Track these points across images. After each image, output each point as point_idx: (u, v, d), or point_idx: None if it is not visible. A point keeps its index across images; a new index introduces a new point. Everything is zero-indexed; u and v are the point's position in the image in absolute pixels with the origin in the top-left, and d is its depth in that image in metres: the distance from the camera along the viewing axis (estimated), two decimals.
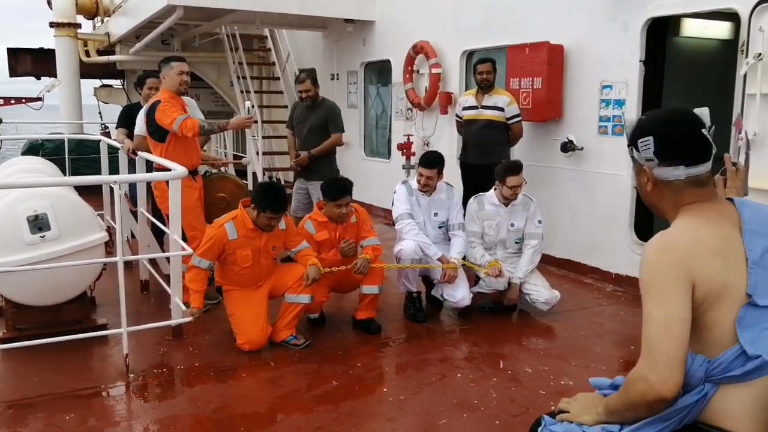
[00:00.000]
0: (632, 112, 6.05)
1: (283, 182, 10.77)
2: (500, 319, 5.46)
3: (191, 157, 5.43)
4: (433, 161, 5.33)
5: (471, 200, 5.61)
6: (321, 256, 4.94)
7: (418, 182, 5.37)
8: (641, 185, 2.02)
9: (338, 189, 4.93)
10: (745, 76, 5.08)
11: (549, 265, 6.60)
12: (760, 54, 4.91)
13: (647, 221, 6.47)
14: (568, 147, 6.64)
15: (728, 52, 5.64)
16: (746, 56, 5.06)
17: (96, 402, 3.95)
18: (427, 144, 8.84)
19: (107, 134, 11.11)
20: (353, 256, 5.03)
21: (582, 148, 6.55)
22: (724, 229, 1.86)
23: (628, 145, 2.00)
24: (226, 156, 13.11)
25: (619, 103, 6.19)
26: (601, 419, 1.99)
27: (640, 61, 5.97)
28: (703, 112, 1.94)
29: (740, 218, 1.89)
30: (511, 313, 5.58)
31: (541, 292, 5.39)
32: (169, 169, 4.67)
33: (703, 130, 1.90)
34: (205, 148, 7.33)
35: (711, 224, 1.87)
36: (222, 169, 7.60)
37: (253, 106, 5.33)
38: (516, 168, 5.39)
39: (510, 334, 5.16)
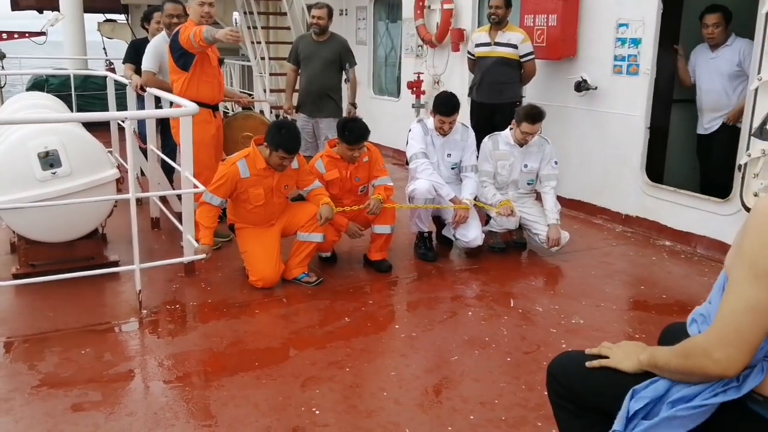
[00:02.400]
0: (648, 52, 5.92)
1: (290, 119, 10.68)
2: (510, 259, 5.47)
3: (214, 90, 5.39)
4: (452, 108, 5.20)
5: (486, 139, 5.54)
6: (331, 193, 4.92)
7: (438, 128, 5.28)
8: None
9: (357, 135, 4.82)
10: (767, 15, 4.93)
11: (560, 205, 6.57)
12: None
13: (659, 163, 6.42)
14: (581, 86, 6.52)
15: None
16: None
17: (110, 337, 4.00)
18: (438, 82, 8.71)
19: (112, 70, 10.95)
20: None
21: (596, 88, 6.43)
22: None
23: None
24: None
25: (635, 41, 6.04)
26: (642, 368, 1.93)
27: None
28: None
29: None
30: (521, 252, 5.60)
31: (561, 241, 5.37)
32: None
33: None
34: None
35: None
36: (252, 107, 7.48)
37: (236, 23, 5.12)
38: (535, 116, 5.26)
39: (520, 274, 5.18)
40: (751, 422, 1.76)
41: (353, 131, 4.81)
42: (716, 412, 1.79)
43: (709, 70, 5.84)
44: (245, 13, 11.32)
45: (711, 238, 5.50)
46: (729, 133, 5.70)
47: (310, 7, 6.78)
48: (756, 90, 5.00)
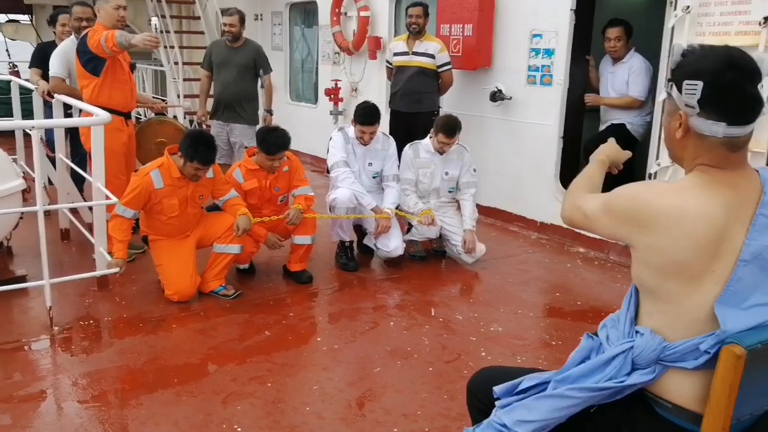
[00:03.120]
0: (561, 63, 6.13)
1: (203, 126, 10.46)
2: (430, 268, 5.54)
3: (126, 96, 5.19)
4: (373, 118, 5.23)
5: (407, 147, 5.60)
6: (249, 203, 4.86)
7: (359, 137, 5.29)
8: (669, 129, 1.80)
9: (278, 145, 4.76)
10: (672, 28, 5.19)
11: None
12: (688, 7, 5.01)
13: (573, 171, 6.65)
14: (497, 96, 6.68)
15: (658, 3, 5.74)
16: (675, 8, 5.16)
17: (20, 356, 3.80)
18: (356, 90, 8.73)
19: (16, 73, 10.43)
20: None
21: (511, 98, 6.60)
22: (731, 209, 1.68)
23: (669, 80, 1.75)
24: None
25: (549, 52, 6.25)
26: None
27: (571, 9, 6.01)
28: (763, 60, 1.69)
29: (761, 199, 1.72)
30: (441, 261, 5.68)
31: (476, 248, 5.47)
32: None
33: (760, 86, 1.65)
34: None
35: (718, 198, 1.69)
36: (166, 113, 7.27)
37: (156, 28, 4.98)
38: (451, 129, 5.34)
39: (440, 282, 5.26)
40: (661, 429, 1.83)
41: (273, 141, 4.75)
42: (624, 417, 1.86)
43: (607, 83, 6.11)
44: (157, 16, 11.03)
45: (623, 245, 5.71)
46: (617, 134, 5.92)
47: (223, 12, 6.67)
48: (664, 101, 5.25)
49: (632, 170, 5.92)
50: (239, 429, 3.11)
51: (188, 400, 3.35)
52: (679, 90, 1.71)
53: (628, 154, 2.26)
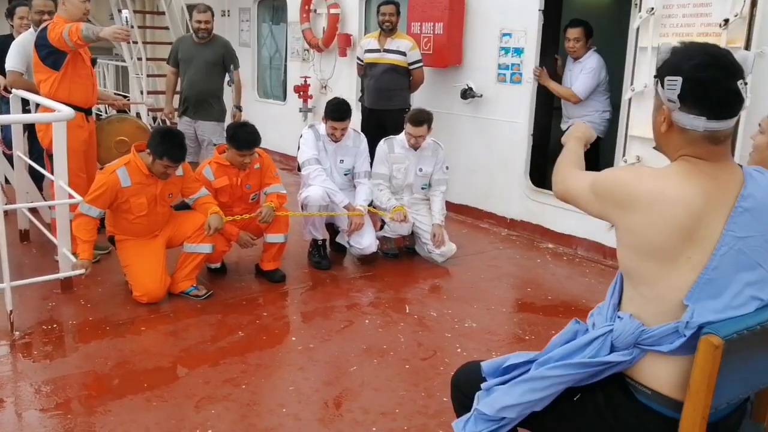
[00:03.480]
0: (530, 61, 6.13)
1: (168, 123, 10.26)
2: (403, 265, 5.49)
3: (87, 92, 5.00)
4: (345, 114, 5.17)
5: (381, 142, 5.54)
6: (220, 201, 4.74)
7: (331, 134, 5.21)
8: (656, 123, 1.86)
9: (249, 141, 4.67)
10: (638, 29, 5.22)
11: (447, 210, 6.66)
12: (652, 8, 5.03)
13: (542, 168, 6.66)
14: (467, 94, 6.65)
15: (623, 4, 5.77)
16: (639, 10, 5.17)
17: None
18: (325, 87, 8.64)
19: None
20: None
21: (481, 96, 6.58)
22: (710, 198, 1.72)
23: (655, 77, 1.83)
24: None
25: (518, 51, 6.24)
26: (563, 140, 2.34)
27: (539, 10, 6.01)
28: (746, 58, 1.79)
29: (741, 191, 1.76)
30: (413, 257, 5.62)
31: (444, 243, 5.43)
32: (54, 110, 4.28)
33: (740, 82, 1.71)
34: None
35: (697, 185, 1.73)
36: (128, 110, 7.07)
37: (127, 21, 4.83)
38: (417, 121, 5.29)
39: (413, 279, 5.20)
40: (642, 415, 1.84)
41: (244, 137, 4.65)
42: (606, 404, 1.89)
43: (567, 80, 6.08)
44: (119, 10, 10.79)
45: (591, 240, 5.75)
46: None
47: (190, 8, 6.51)
48: (630, 100, 5.29)
49: (597, 161, 6.01)
50: None
51: (159, 406, 3.24)
52: (662, 86, 1.78)
53: (594, 133, 2.43)
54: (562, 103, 6.24)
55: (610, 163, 5.75)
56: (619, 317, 1.85)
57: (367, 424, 3.14)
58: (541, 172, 6.61)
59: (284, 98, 9.73)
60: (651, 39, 5.10)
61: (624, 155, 5.41)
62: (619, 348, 1.83)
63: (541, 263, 5.65)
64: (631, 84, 5.27)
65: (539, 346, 4.12)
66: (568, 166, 2.15)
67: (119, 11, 4.71)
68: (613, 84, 5.90)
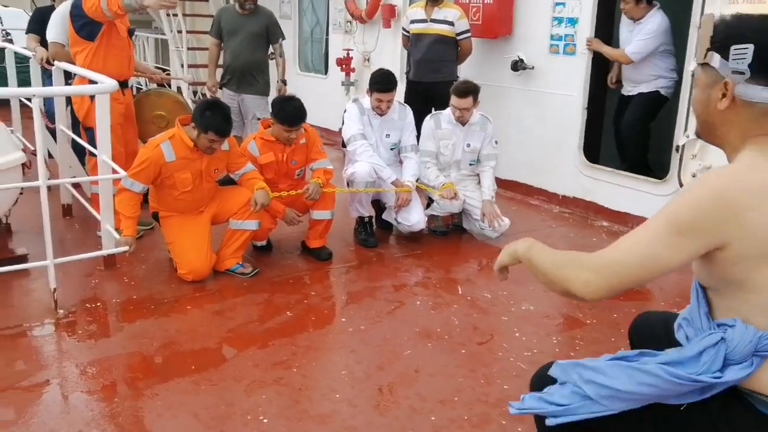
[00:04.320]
0: (585, 32, 5.82)
1: (209, 96, 10.14)
2: (452, 243, 5.29)
3: (123, 64, 4.87)
4: (391, 84, 4.96)
5: (427, 118, 5.32)
6: (265, 178, 4.59)
7: (376, 107, 5.00)
8: (709, 101, 1.67)
9: (295, 116, 4.50)
10: None
11: (497, 186, 6.44)
12: None
13: (596, 143, 6.37)
14: (518, 66, 6.38)
15: None
16: None
17: (22, 342, 3.53)
18: (368, 60, 8.41)
19: (10, 41, 10.04)
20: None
21: (532, 67, 6.30)
22: None
23: (709, 49, 1.65)
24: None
25: (572, 21, 5.94)
26: (517, 258, 1.89)
27: None
28: None
29: None
30: (461, 236, 5.42)
31: (499, 218, 5.21)
32: (95, 82, 4.15)
33: None
34: None
35: None
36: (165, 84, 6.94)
37: None
38: (462, 91, 5.05)
39: (464, 258, 5.00)
40: (764, 425, 1.63)
41: (290, 111, 4.48)
42: (721, 415, 1.66)
43: (625, 39, 5.74)
44: None
45: (647, 219, 5.47)
46: (644, 101, 5.73)
47: None
48: (693, 72, 4.97)
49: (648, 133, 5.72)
50: (265, 420, 2.87)
51: (208, 389, 3.10)
52: (725, 57, 1.61)
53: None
54: (622, 68, 5.92)
55: (664, 138, 5.50)
56: (726, 325, 1.63)
57: (425, 413, 2.97)
58: (595, 147, 6.33)
59: (326, 72, 9.52)
60: (720, 6, 4.77)
61: (686, 130, 5.11)
62: (735, 359, 1.61)
63: (597, 242, 5.39)
64: (695, 55, 4.94)
65: (601, 330, 3.93)
66: (579, 254, 1.71)
67: None
68: (678, 59, 5.57)
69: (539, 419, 1.89)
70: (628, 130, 5.90)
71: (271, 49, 6.45)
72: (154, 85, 6.35)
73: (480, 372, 3.32)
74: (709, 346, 1.63)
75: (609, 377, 1.69)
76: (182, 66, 9.85)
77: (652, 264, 1.59)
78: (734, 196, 1.53)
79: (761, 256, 1.53)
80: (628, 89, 5.89)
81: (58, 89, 4.96)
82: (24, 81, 6.37)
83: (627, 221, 5.65)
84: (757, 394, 1.62)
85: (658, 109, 5.77)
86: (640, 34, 5.53)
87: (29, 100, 3.78)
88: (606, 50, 5.74)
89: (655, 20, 5.50)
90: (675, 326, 1.82)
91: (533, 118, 6.41)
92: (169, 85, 8.02)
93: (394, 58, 7.91)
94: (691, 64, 5.03)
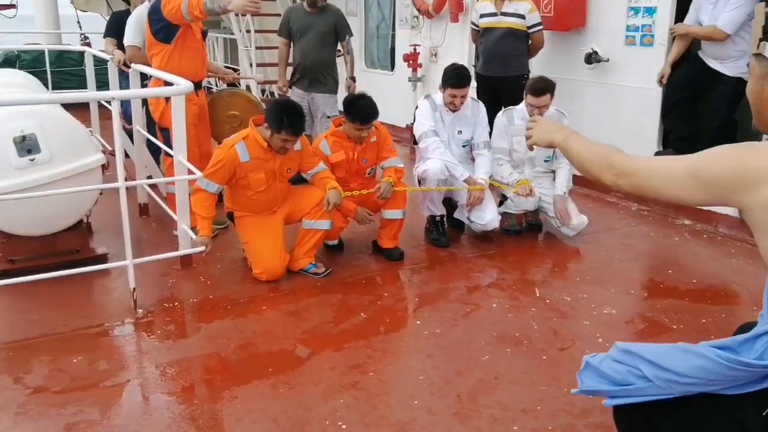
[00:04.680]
0: (665, 22, 5.59)
1: (277, 95, 10.22)
2: (526, 243, 5.15)
3: (197, 65, 4.92)
4: (465, 80, 4.85)
5: (500, 114, 5.20)
6: (336, 177, 4.55)
7: (450, 103, 4.90)
8: (763, 92, 1.66)
9: (367, 114, 4.45)
10: None
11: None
12: None
13: (674, 137, 6.11)
14: (592, 58, 6.19)
15: None
16: None
17: (104, 342, 3.60)
18: (435, 55, 8.30)
19: (88, 45, 10.37)
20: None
21: (607, 60, 6.11)
22: None
23: (761, 39, 1.64)
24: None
25: (650, 11, 5.71)
26: (554, 145, 2.07)
27: None
28: None
29: None
30: (536, 235, 5.28)
31: (570, 216, 5.05)
32: (171, 83, 4.19)
33: None
34: None
35: None
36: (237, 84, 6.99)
37: None
38: (539, 90, 4.90)
39: (540, 259, 4.87)
40: None
41: (362, 109, 4.43)
42: None
43: (711, 15, 5.29)
44: None
45: (733, 217, 5.21)
46: (733, 87, 5.22)
47: None
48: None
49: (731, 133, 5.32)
50: (344, 426, 2.83)
51: (285, 393, 3.08)
52: None
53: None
54: (702, 48, 5.49)
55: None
56: None
57: (507, 422, 2.87)
58: (668, 142, 6.07)
59: (392, 68, 9.46)
60: None
61: None
62: None
63: (680, 242, 5.17)
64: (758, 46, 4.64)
65: (690, 336, 3.73)
66: (611, 153, 1.84)
67: None
68: None
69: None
70: (715, 116, 5.39)
71: (339, 47, 6.42)
72: (225, 86, 6.41)
73: (563, 380, 3.19)
74: (760, 334, 1.60)
75: (667, 359, 1.69)
76: (251, 65, 9.96)
77: (667, 192, 1.71)
78: (754, 166, 1.54)
79: None
80: (714, 64, 5.38)
81: (136, 92, 5.05)
82: (102, 83, 6.53)
83: (711, 219, 5.40)
84: None
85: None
86: (728, 5, 5.12)
87: (108, 102, 3.83)
88: (695, 30, 5.34)
89: None
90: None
91: (608, 112, 6.20)
92: (240, 85, 8.09)
93: (462, 53, 7.79)
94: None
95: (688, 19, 5.48)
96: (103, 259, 4.40)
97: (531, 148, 2.19)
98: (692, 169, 1.65)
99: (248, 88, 9.03)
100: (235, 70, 9.89)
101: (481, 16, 6.23)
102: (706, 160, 1.64)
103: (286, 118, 4.07)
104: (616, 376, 1.79)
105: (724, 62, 5.31)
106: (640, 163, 1.76)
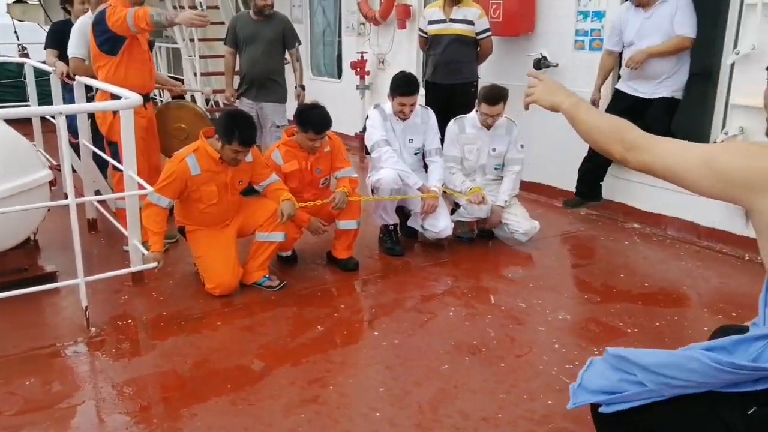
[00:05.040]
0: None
1: (222, 105, 10.08)
2: (479, 250, 5.22)
3: (145, 77, 4.83)
4: (413, 87, 4.89)
5: (451, 123, 5.25)
6: (290, 187, 4.53)
7: (399, 111, 4.93)
8: None
9: (321, 124, 4.43)
10: None
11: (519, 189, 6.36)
12: None
13: None
14: (541, 63, 6.29)
15: None
16: None
17: (57, 362, 3.50)
18: (383, 62, 8.34)
19: (26, 56, 10.04)
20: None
21: (557, 65, 6.22)
22: None
23: None
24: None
25: (598, 15, 5.85)
26: (559, 110, 2.03)
27: None
28: None
29: None
30: (488, 242, 5.34)
31: (521, 222, 5.14)
32: (119, 96, 4.10)
33: None
34: None
35: None
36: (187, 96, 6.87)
37: (202, 5, 4.62)
38: (493, 98, 4.96)
39: (493, 266, 4.93)
40: None
41: (315, 119, 4.41)
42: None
43: (642, 32, 5.29)
44: None
45: (682, 220, 5.38)
46: (667, 105, 5.32)
47: None
48: (732, 64, 4.87)
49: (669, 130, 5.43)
50: None
51: (246, 410, 3.05)
52: None
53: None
54: (626, 79, 5.49)
55: (701, 136, 5.36)
56: None
57: (469, 431, 2.91)
58: None
59: (339, 75, 9.46)
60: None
61: (723, 127, 5.01)
62: None
63: (630, 245, 5.30)
64: (735, 47, 4.84)
65: (644, 340, 3.83)
66: (625, 128, 1.84)
67: None
68: (713, 50, 5.44)
69: (595, 409, 1.89)
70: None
71: (286, 55, 6.38)
72: (170, 97, 6.31)
73: (522, 387, 3.24)
74: (757, 337, 1.62)
75: (660, 363, 1.72)
76: (195, 74, 9.80)
77: (678, 175, 1.71)
78: (764, 167, 1.56)
79: None
80: (645, 91, 5.39)
81: (84, 106, 4.92)
82: (43, 95, 6.34)
83: (660, 223, 5.56)
84: None
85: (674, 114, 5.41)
86: (680, 11, 5.08)
87: (53, 116, 3.73)
88: (659, 49, 5.16)
89: None
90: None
91: (558, 117, 6.25)
92: (184, 97, 7.97)
93: (410, 60, 7.84)
94: (729, 57, 4.92)
95: (609, 44, 5.54)
96: (52, 277, 4.28)
97: (527, 107, 2.13)
98: (707, 157, 1.66)
99: (193, 98, 8.87)
100: (181, 81, 9.76)
101: (430, 22, 6.25)
102: (721, 151, 1.67)
103: (237, 129, 4.04)
104: (609, 384, 1.81)
105: (658, 86, 5.30)
106: (654, 141, 1.77)
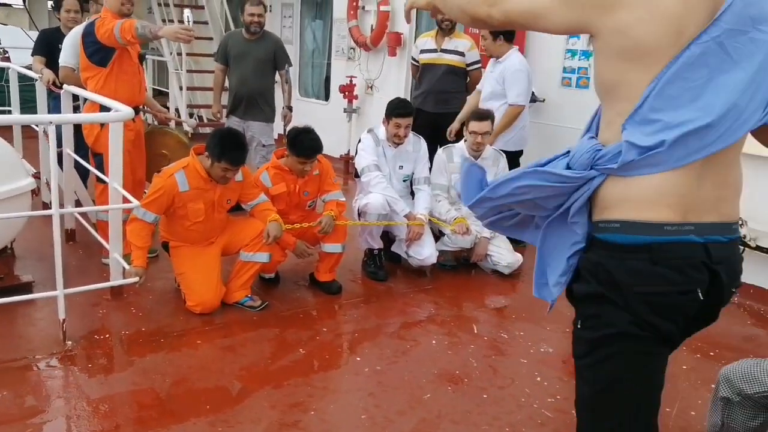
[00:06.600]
0: None
1: (206, 120, 10.05)
2: (461, 278, 5.21)
3: (134, 89, 4.77)
4: (409, 109, 4.94)
5: (439, 151, 5.28)
6: (277, 209, 4.50)
7: (394, 135, 4.95)
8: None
9: (311, 148, 4.42)
10: None
11: None
12: None
13: None
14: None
15: None
16: None
17: (31, 376, 3.40)
18: (371, 87, 8.38)
19: (7, 60, 9.91)
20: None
21: (543, 100, 6.30)
22: None
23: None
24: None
25: (586, 54, 5.95)
26: (435, 3, 2.00)
27: None
28: None
29: None
30: (470, 270, 5.35)
31: (504, 254, 5.16)
32: (108, 108, 4.06)
33: None
34: None
35: None
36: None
37: (189, 20, 4.59)
38: (480, 116, 5.06)
39: (477, 295, 4.92)
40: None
41: (307, 144, 4.40)
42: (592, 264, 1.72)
43: (488, 80, 5.80)
44: (159, 5, 10.63)
45: None
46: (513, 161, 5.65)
47: (244, 1, 6.26)
48: None
49: None
50: None
51: None
52: None
53: None
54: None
55: None
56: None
57: None
58: None
59: (327, 98, 9.48)
60: None
61: None
62: (576, 168, 1.69)
63: None
64: None
65: None
66: None
67: (148, 7, 4.47)
68: None
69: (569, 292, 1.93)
70: None
71: (276, 75, 6.38)
72: (156, 123, 6.24)
73: (504, 420, 3.23)
74: (559, 155, 1.75)
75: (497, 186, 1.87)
76: (181, 88, 9.78)
77: (535, 20, 1.73)
78: None
79: (630, 58, 1.57)
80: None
81: (75, 116, 4.86)
82: (26, 101, 6.26)
83: None
84: (606, 223, 1.66)
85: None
86: (510, 80, 5.54)
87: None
88: (497, 129, 5.46)
89: (517, 58, 5.61)
90: None
91: (544, 151, 6.28)
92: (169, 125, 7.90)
93: (398, 87, 7.89)
94: None
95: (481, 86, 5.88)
96: (28, 287, 4.19)
97: (408, 19, 2.29)
98: None
99: (177, 111, 8.83)
100: (166, 95, 9.71)
101: (422, 51, 6.34)
102: None
103: (227, 148, 4.02)
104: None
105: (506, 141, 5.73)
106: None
